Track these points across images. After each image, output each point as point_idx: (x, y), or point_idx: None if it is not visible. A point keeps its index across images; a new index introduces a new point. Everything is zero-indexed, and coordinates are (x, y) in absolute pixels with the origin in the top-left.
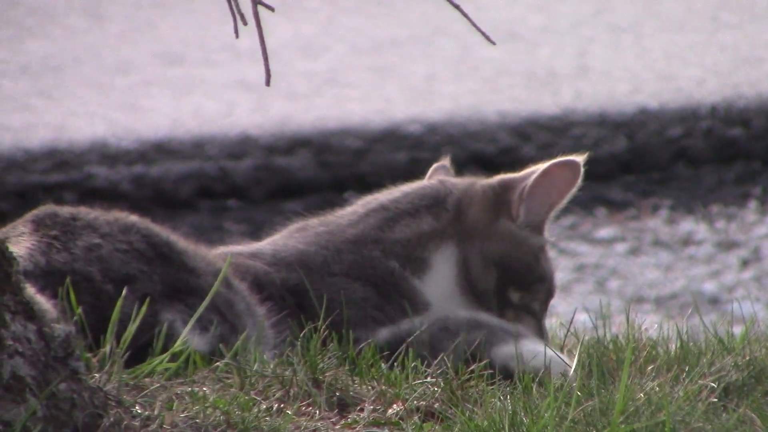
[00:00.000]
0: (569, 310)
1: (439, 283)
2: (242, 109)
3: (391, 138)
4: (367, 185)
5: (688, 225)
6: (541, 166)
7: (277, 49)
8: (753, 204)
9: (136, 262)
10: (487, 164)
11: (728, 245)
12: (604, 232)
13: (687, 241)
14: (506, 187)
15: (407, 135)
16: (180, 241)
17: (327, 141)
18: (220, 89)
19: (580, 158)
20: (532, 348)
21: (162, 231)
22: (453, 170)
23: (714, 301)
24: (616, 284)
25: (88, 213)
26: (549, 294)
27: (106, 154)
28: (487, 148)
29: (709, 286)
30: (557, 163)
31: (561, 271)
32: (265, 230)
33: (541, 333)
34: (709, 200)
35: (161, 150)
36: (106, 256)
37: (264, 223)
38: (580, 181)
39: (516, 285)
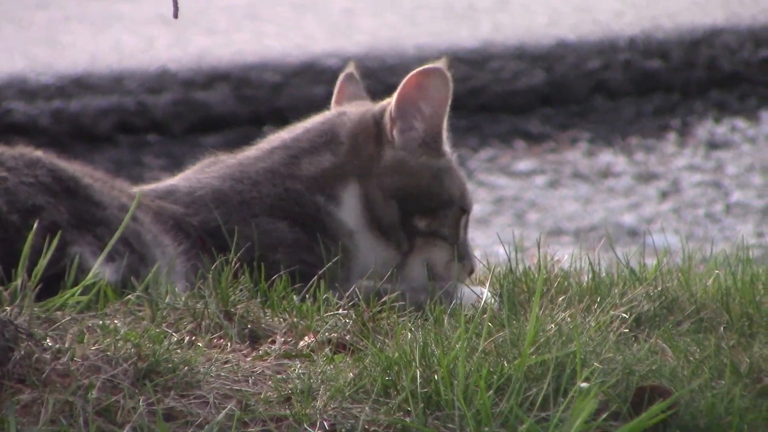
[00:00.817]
0: (488, 242)
1: (351, 220)
2: (161, 44)
3: (310, 72)
4: (285, 119)
5: (607, 157)
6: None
7: None
8: (672, 136)
9: (42, 195)
10: None
11: (647, 177)
12: (523, 165)
13: (606, 173)
14: (383, 112)
15: (325, 69)
16: (86, 176)
17: (245, 75)
18: (139, 24)
19: (440, 63)
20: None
21: (67, 166)
22: (358, 76)
23: (633, 233)
24: (535, 217)
25: None
26: (461, 213)
27: (25, 90)
28: None
29: (628, 218)
30: (414, 74)
31: (480, 204)
32: (184, 164)
33: (451, 257)
34: (628, 132)
35: (80, 85)
36: (12, 188)
37: (183, 158)
38: (449, 86)
39: (420, 213)
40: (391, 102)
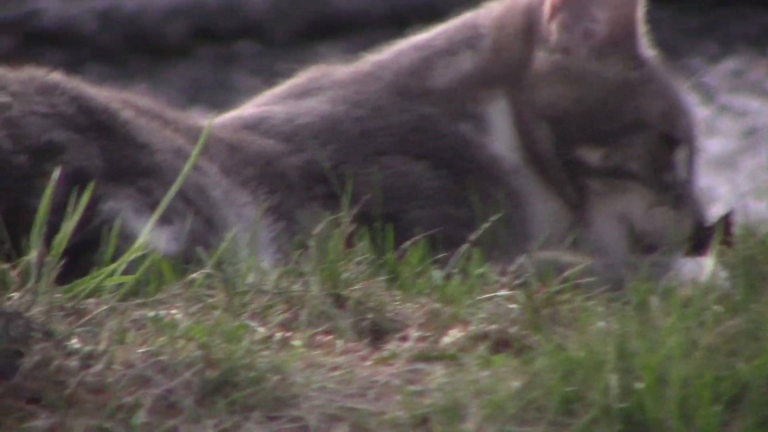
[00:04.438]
0: (734, 193)
1: (509, 153)
2: None
3: None
4: (438, 19)
5: None
6: None
7: None
8: None
9: (63, 129)
10: None
11: None
12: None
13: None
14: (540, 2)
15: None
16: (126, 107)
17: None
18: None
19: None
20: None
21: (100, 93)
22: None
23: None
24: None
25: None
26: (669, 142)
27: None
28: None
29: None
30: None
31: (725, 137)
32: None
33: (656, 203)
34: None
35: None
36: (17, 119)
37: (289, 75)
38: None
39: (587, 140)
40: None
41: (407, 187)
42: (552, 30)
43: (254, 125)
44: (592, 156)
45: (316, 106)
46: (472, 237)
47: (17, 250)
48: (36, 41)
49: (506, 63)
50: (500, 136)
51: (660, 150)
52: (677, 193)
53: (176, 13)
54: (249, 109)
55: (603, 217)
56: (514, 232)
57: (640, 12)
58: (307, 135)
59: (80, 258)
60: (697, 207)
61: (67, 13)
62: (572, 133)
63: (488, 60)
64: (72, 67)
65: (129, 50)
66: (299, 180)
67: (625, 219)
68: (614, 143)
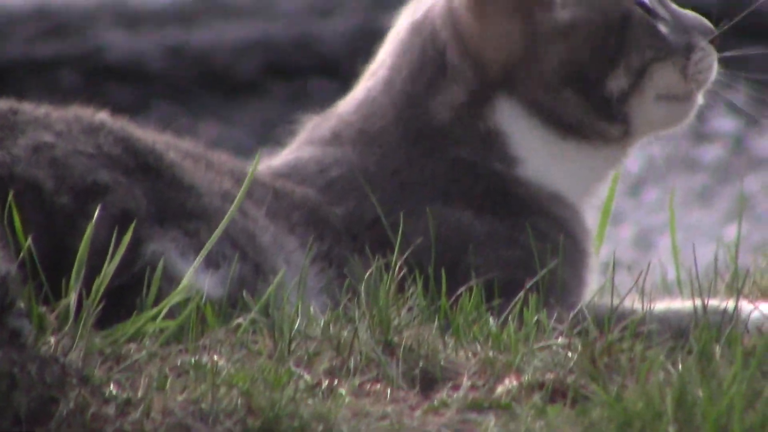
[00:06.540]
0: None
1: (544, 169)
2: None
3: None
4: None
5: None
6: None
7: None
8: None
9: (108, 171)
10: None
11: None
12: None
13: None
14: None
15: None
16: (173, 149)
17: None
18: None
19: None
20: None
21: (146, 135)
22: None
23: None
24: None
25: (35, 108)
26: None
27: (124, 14)
28: None
29: None
30: None
31: None
32: None
33: (678, 65)
34: None
35: (209, 5)
36: (62, 158)
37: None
38: None
39: (609, 66)
40: None
41: (458, 236)
42: None
43: (287, 174)
44: (620, 78)
45: (342, 155)
46: (528, 284)
47: (56, 294)
48: (101, 77)
49: (486, 56)
50: (526, 152)
51: (646, 17)
52: (678, 35)
53: (247, 49)
54: (277, 158)
55: (645, 109)
56: (570, 263)
57: None
58: (343, 188)
59: (122, 302)
60: (694, 23)
61: (133, 48)
62: (597, 71)
63: (467, 69)
64: (138, 104)
65: (198, 87)
66: (345, 228)
67: (664, 96)
68: (625, 47)
